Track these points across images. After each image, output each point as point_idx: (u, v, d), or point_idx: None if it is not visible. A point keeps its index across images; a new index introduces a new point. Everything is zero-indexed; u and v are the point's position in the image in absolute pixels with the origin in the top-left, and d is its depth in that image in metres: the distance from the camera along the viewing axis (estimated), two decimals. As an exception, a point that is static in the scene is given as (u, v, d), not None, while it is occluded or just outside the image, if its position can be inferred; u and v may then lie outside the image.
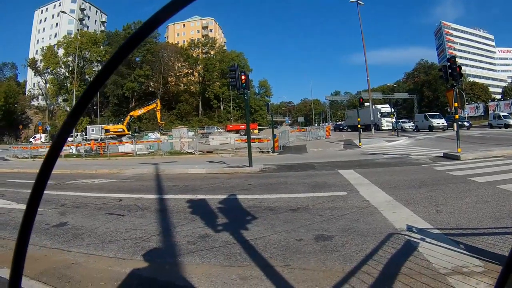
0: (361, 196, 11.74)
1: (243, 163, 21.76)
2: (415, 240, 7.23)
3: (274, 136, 34.94)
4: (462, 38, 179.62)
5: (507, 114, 68.36)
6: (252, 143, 38.31)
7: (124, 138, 57.04)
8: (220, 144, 44.84)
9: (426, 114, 68.38)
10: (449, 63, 23.14)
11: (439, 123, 61.57)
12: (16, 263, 1.02)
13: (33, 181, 1.00)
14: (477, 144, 28.53)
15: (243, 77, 21.48)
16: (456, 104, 23.79)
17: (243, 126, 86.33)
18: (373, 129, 62.89)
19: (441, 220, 8.60)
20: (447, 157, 21.91)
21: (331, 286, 5.51)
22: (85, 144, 45.23)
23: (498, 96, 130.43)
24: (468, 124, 63.85)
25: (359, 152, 29.58)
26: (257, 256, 6.85)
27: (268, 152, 33.49)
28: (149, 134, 62.78)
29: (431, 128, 61.15)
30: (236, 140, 39.08)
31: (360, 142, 36.01)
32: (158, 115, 74.76)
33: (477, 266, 5.81)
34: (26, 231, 1.03)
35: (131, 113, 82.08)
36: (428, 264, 6.00)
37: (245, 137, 47.44)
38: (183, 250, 7.35)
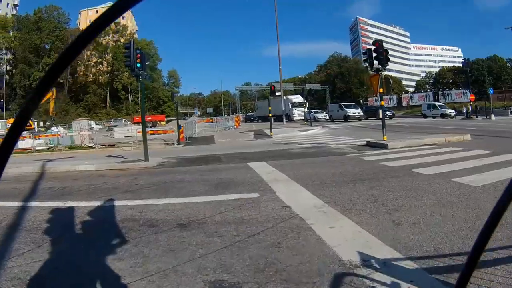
0: (278, 198, 8.78)
1: (141, 157, 18.64)
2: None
3: (179, 127, 31.93)
4: (377, 34, 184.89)
5: (442, 104, 67.45)
6: (156, 135, 36.00)
7: (25, 133, 52.67)
8: (125, 137, 41.70)
9: (341, 104, 67.79)
10: (374, 46, 21.39)
11: (355, 113, 61.20)
12: None
13: None
14: (399, 133, 26.87)
15: (138, 56, 18.27)
16: (381, 90, 21.75)
17: (150, 118, 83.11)
18: (284, 119, 61.43)
19: (406, 239, 5.78)
20: (373, 145, 20.18)
21: None
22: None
23: (412, 89, 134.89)
24: (390, 114, 62.88)
25: (271, 142, 27.79)
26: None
27: (173, 144, 30.60)
28: (53, 128, 58.81)
29: (346, 118, 60.51)
30: (138, 132, 36.24)
31: (271, 132, 34.17)
32: (51, 105, 69.76)
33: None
34: None
35: (30, 104, 76.90)
36: None
37: (151, 129, 44.72)
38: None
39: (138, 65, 18.22)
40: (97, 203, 9.63)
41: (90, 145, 33.57)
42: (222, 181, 11.75)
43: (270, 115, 36.82)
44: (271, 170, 13.29)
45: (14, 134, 0.86)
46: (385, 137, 20.33)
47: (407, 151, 17.08)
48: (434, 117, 59.13)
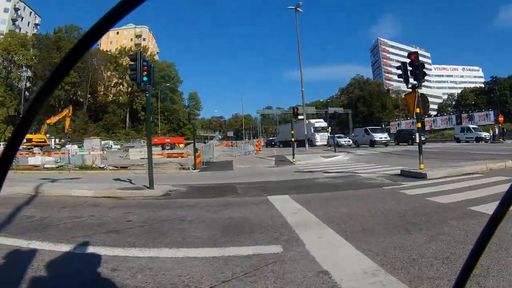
0: (310, 256, 6.14)
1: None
2: None
3: (195, 150, 30.19)
4: (398, 55, 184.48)
5: (476, 126, 64.26)
6: (172, 158, 33.95)
7: (36, 149, 51.24)
8: (140, 158, 39.84)
9: (367, 128, 64.35)
10: (410, 59, 18.90)
11: (381, 138, 57.95)
12: None
13: None
14: (430, 160, 24.64)
15: (145, 69, 16.25)
16: (418, 110, 19.02)
17: (168, 140, 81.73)
18: (307, 144, 58.72)
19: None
20: (408, 175, 17.67)
21: None
22: (-3, 155, 39.65)
23: (434, 112, 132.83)
24: (423, 139, 57.81)
25: (294, 170, 25.35)
26: None
27: (189, 168, 28.71)
28: (67, 146, 57.41)
29: (372, 143, 57.49)
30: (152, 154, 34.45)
31: (294, 158, 31.77)
32: (67, 122, 68.93)
33: None
34: None
35: (47, 121, 76.33)
36: None
37: (166, 152, 42.84)
38: None
39: (145, 78, 16.17)
40: (65, 248, 7.33)
41: (101, 166, 32.14)
42: (234, 223, 9.24)
43: (293, 139, 34.24)
44: (296, 208, 10.77)
45: (14, 144, 0.87)
46: (422, 165, 18.02)
47: (451, 182, 14.70)
48: (468, 141, 56.50)
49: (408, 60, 18.97)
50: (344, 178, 18.50)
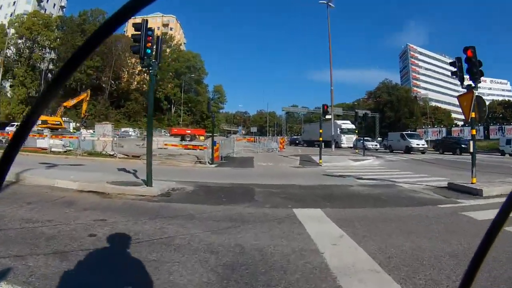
0: None
1: (156, 177, 13.63)
2: None
3: (214, 143, 27.62)
4: (427, 62, 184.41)
5: None
6: (188, 150, 31.41)
7: (45, 131, 49.36)
8: (158, 148, 37.61)
9: (404, 133, 60.42)
10: (466, 55, 15.58)
11: (419, 144, 53.89)
12: None
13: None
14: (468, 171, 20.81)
15: (149, 39, 13.47)
16: (473, 114, 15.86)
17: (189, 131, 79.20)
18: (333, 146, 55.26)
19: None
20: (458, 190, 14.89)
21: None
22: (8, 134, 38.74)
23: (461, 123, 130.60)
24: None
25: (321, 172, 22.50)
26: None
27: (206, 162, 26.41)
28: (82, 130, 55.53)
29: (408, 150, 53.32)
30: (166, 145, 32.88)
31: (320, 159, 28.99)
32: (84, 106, 67.24)
33: None
34: None
35: (64, 104, 74.74)
36: None
37: (183, 143, 40.37)
38: None
39: (148, 51, 13.31)
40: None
41: (111, 153, 30.31)
42: (243, 260, 5.85)
43: (321, 139, 31.29)
44: (336, 235, 7.49)
45: (22, 132, 0.85)
46: (474, 179, 15.13)
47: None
48: None
49: (464, 56, 15.66)
50: (383, 188, 15.70)
